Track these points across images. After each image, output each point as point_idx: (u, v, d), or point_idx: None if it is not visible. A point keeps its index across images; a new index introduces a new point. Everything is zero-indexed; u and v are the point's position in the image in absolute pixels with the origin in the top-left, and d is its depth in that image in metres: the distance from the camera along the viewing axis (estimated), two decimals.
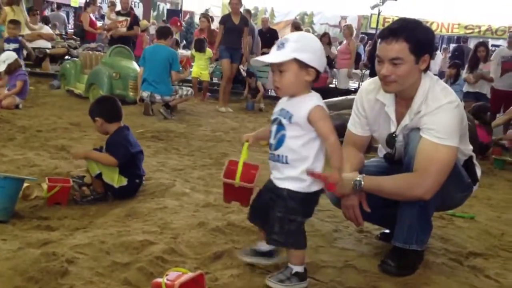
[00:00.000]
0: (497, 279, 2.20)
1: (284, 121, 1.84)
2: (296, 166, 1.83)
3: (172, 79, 6.47)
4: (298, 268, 1.90)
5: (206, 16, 10.39)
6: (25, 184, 2.89)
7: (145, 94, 6.32)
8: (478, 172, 2.30)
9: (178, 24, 10.16)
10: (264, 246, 2.00)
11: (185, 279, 1.63)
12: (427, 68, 2.06)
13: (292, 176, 1.83)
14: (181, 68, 7.03)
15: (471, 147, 2.26)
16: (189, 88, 7.01)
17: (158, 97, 6.33)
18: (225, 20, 7.70)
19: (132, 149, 3.06)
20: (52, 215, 2.80)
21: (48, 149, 4.18)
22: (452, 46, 16.30)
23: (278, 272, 1.91)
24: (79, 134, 4.91)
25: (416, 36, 1.97)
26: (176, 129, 5.61)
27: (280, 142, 1.85)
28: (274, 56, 1.84)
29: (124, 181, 3.03)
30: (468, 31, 17.75)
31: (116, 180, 3.00)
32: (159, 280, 1.65)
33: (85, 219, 2.74)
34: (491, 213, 3.44)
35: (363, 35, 16.41)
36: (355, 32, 9.70)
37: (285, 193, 1.84)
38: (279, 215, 1.83)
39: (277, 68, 1.83)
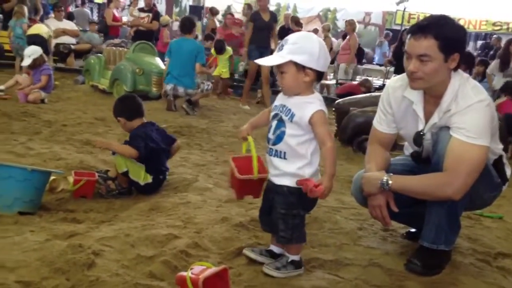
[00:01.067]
0: None
1: (285, 118, 1.89)
2: (294, 162, 1.88)
3: (196, 70, 6.48)
4: (295, 257, 1.96)
5: (232, 14, 10.27)
6: (52, 177, 2.94)
7: (168, 87, 6.35)
8: (508, 171, 2.24)
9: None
10: (276, 248, 2.04)
11: (209, 273, 1.63)
12: (457, 67, 2.00)
13: (289, 172, 1.88)
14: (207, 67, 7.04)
15: (501, 146, 2.20)
16: (209, 82, 7.02)
17: (181, 89, 6.34)
18: (255, 18, 7.47)
19: (152, 144, 3.03)
20: (78, 208, 2.85)
21: (74, 143, 4.25)
22: (480, 43, 15.92)
23: (275, 260, 1.96)
24: (103, 129, 4.98)
25: (445, 34, 1.92)
26: (198, 124, 5.63)
27: (279, 138, 1.89)
28: (273, 58, 1.89)
29: (149, 179, 3.05)
30: (496, 28, 17.28)
31: (142, 177, 3.03)
32: (183, 273, 1.65)
33: (110, 213, 2.77)
34: None
35: (388, 31, 16.17)
36: (358, 27, 9.56)
37: (285, 189, 1.89)
38: (282, 211, 1.89)
39: (278, 69, 1.88)
